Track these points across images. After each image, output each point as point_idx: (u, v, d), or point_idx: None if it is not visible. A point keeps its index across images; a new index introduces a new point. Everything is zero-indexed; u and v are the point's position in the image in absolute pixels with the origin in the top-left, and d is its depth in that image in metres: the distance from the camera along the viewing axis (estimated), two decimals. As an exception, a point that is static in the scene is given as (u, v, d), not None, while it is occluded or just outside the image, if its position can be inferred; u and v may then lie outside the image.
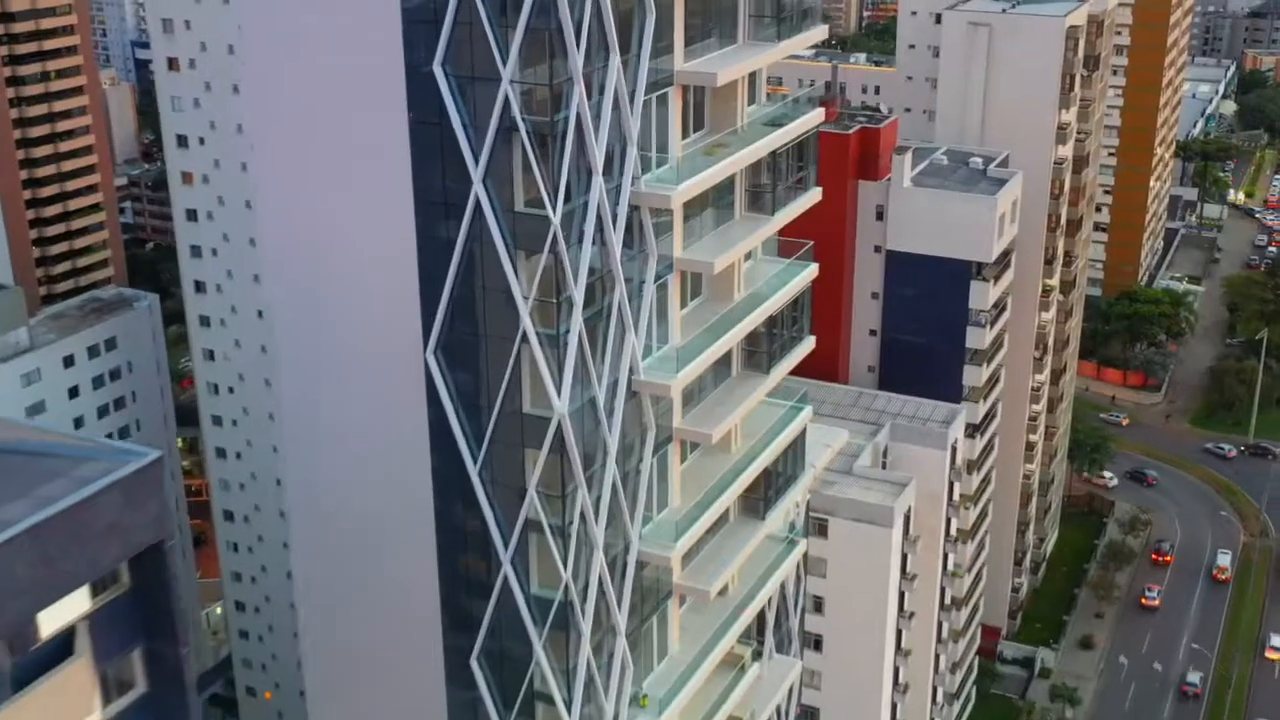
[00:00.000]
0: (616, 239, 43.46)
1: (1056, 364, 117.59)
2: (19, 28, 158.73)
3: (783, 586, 63.30)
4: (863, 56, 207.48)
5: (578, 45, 39.73)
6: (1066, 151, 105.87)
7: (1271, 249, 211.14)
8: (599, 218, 42.59)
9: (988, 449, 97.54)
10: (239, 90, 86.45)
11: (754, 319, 51.52)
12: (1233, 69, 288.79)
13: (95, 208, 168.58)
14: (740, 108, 50.59)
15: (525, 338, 42.11)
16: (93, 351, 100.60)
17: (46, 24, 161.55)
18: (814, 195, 55.34)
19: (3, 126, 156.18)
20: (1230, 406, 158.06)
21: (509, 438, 43.52)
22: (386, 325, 44.17)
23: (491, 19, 39.38)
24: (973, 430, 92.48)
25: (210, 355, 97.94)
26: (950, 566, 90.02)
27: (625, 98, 42.65)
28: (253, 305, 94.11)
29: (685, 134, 48.27)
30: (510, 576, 44.98)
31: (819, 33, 53.63)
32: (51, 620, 26.71)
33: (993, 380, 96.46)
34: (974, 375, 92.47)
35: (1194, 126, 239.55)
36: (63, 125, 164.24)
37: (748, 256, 54.31)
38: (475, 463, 44.09)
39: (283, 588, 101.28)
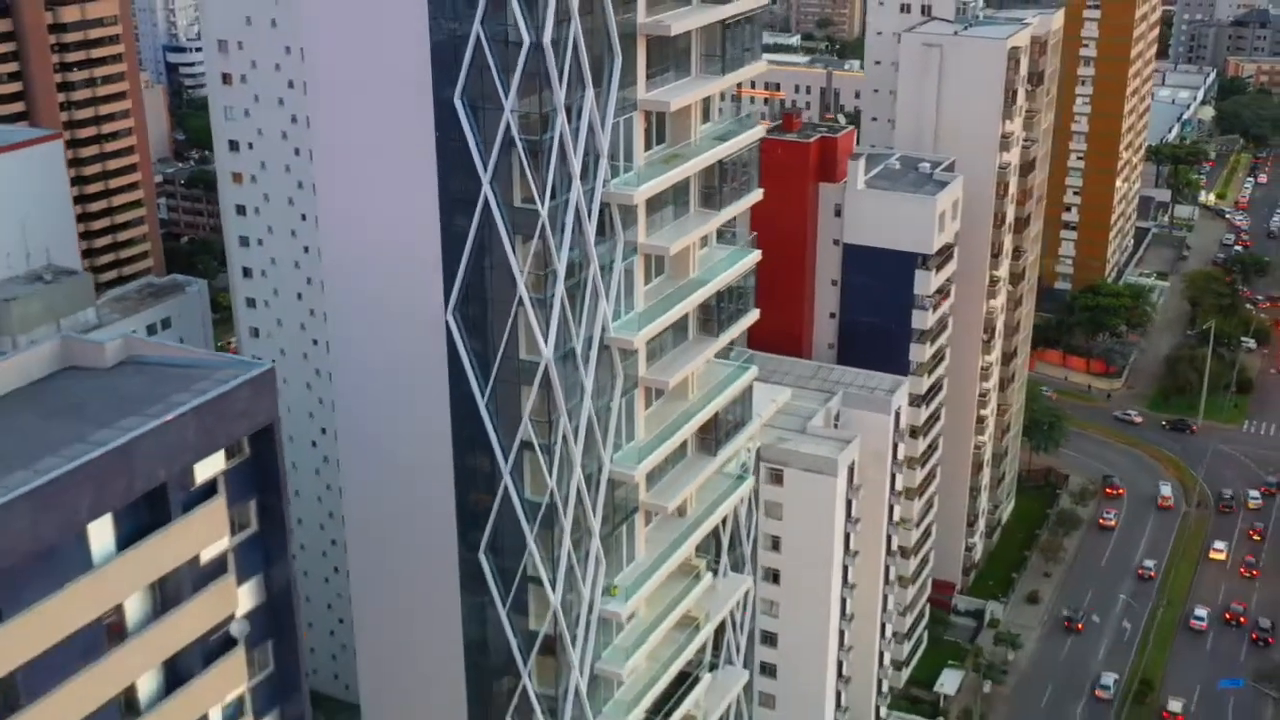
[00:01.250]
0: (591, 228, 57.33)
1: (1007, 347, 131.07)
2: (69, 38, 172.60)
3: (736, 516, 76.83)
4: (857, 63, 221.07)
5: (560, 83, 53.56)
6: (1011, 157, 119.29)
7: (1237, 248, 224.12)
8: (578, 212, 56.45)
9: (933, 418, 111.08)
10: (286, 109, 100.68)
11: (705, 292, 65.34)
12: (1213, 76, 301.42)
13: (137, 204, 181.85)
14: (694, 125, 64.38)
15: (521, 301, 56.09)
16: (151, 330, 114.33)
17: (94, 34, 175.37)
18: (755, 195, 69.15)
19: (54, 127, 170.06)
20: (1183, 391, 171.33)
21: (508, 377, 57.51)
22: (416, 292, 58.07)
23: (497, 64, 53.27)
24: (918, 400, 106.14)
25: (255, 333, 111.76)
26: (896, 517, 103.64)
27: (598, 122, 56.46)
28: (293, 288, 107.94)
29: (649, 146, 62.10)
30: (509, 484, 58.97)
31: (760, 67, 67.26)
32: (202, 471, 40.64)
33: (937, 357, 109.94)
34: (919, 352, 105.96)
35: (1169, 131, 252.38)
36: (108, 128, 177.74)
37: (704, 243, 68.12)
38: (483, 396, 58.07)
39: (316, 537, 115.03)
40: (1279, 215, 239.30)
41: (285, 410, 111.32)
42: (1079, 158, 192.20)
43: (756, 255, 69.72)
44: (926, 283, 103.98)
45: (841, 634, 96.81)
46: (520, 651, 62.08)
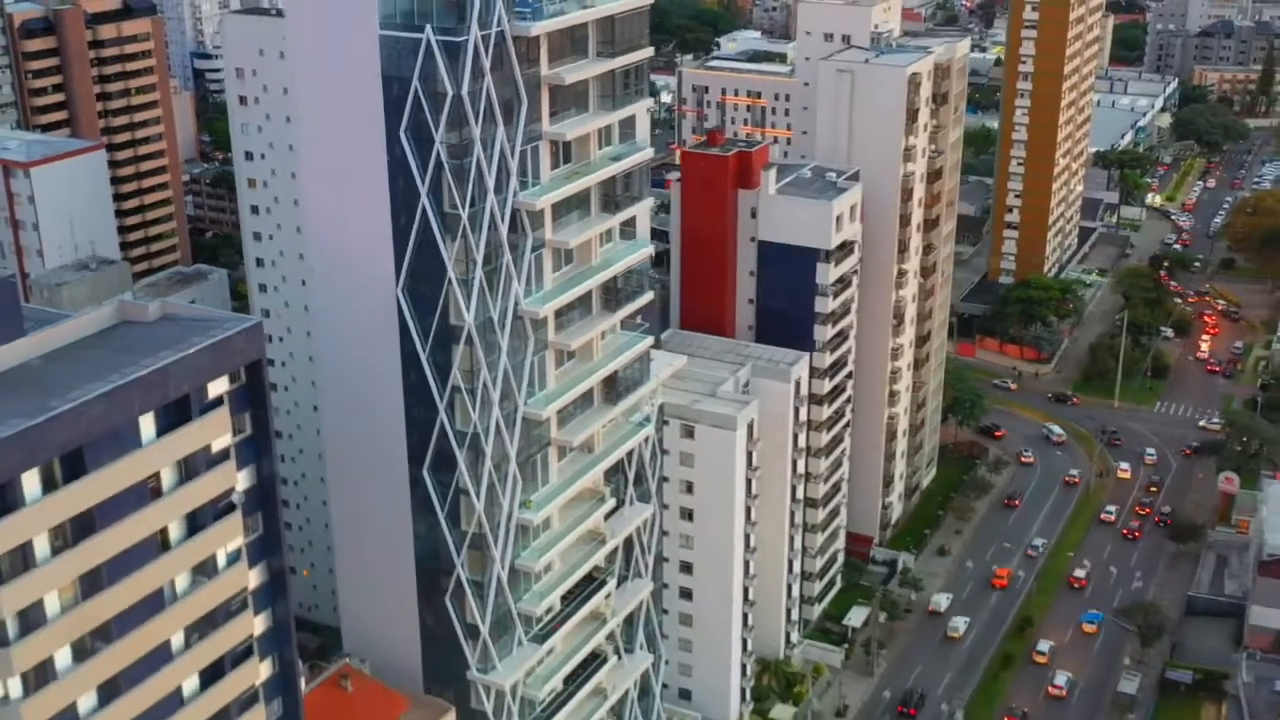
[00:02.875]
0: (504, 228, 77.29)
1: (920, 332, 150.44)
2: (107, 53, 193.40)
3: (641, 457, 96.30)
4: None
5: (476, 122, 73.57)
6: (915, 167, 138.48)
7: (1176, 247, 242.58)
8: (492, 216, 76.43)
9: (838, 389, 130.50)
10: (292, 126, 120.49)
11: (602, 277, 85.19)
12: (1174, 84, 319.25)
13: (166, 202, 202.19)
14: (593, 148, 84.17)
15: (450, 282, 76.16)
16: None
17: (130, 49, 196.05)
18: (647, 203, 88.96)
19: (93, 133, 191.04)
20: (1103, 375, 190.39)
21: (442, 337, 77.65)
22: (374, 273, 78.23)
23: (429, 108, 73.32)
24: (821, 373, 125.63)
25: (266, 314, 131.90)
26: (799, 470, 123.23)
27: (508, 149, 76.33)
28: (297, 275, 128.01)
29: (556, 165, 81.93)
30: (444, 418, 79.11)
31: (645, 103, 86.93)
32: (213, 389, 60.66)
33: (840, 337, 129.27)
34: (822, 332, 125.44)
35: (1122, 137, 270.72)
36: (141, 133, 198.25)
37: (608, 238, 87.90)
38: (424, 352, 78.25)
39: (317, 489, 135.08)
40: (1220, 217, 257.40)
41: (291, 379, 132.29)
42: (1019, 164, 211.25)
43: (649, 249, 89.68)
44: (827, 274, 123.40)
45: (746, 564, 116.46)
46: (454, 547, 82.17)
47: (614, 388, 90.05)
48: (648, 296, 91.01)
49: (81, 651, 56.32)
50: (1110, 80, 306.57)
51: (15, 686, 53.83)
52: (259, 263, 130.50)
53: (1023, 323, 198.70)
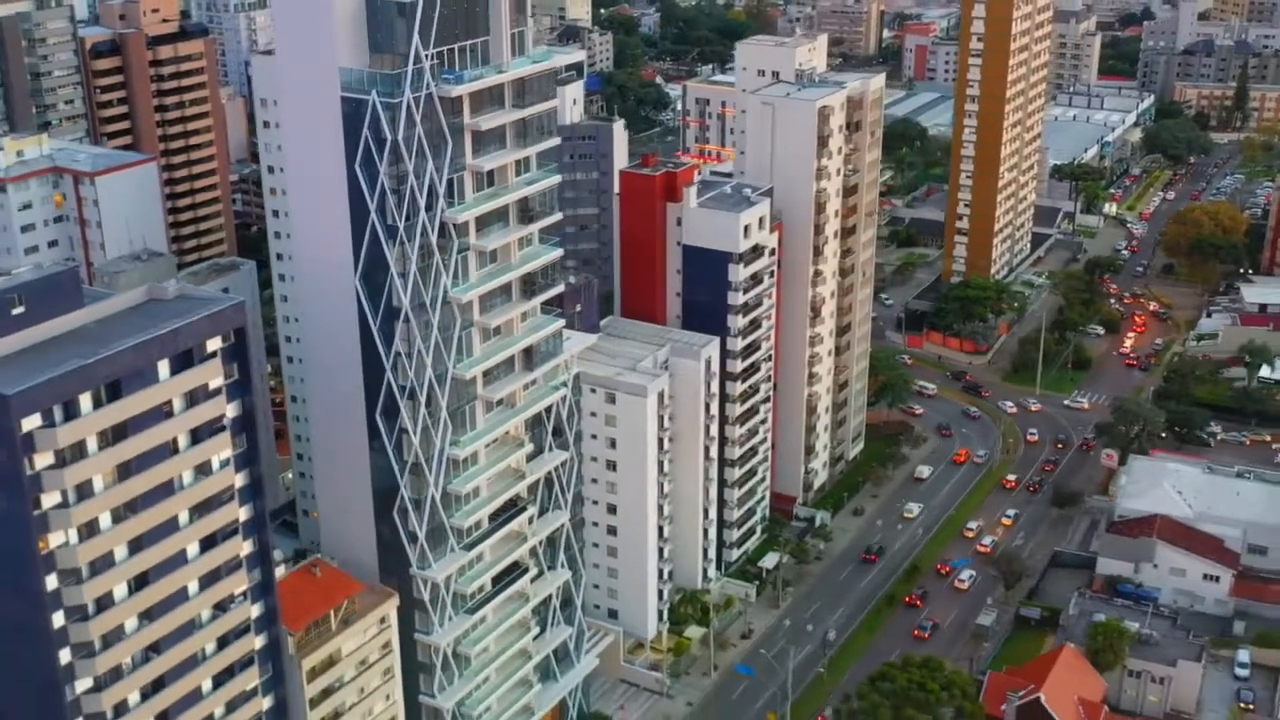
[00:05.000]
0: (434, 235, 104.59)
1: (840, 324, 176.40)
2: (165, 70, 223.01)
3: (559, 413, 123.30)
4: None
5: (410, 160, 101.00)
6: (826, 184, 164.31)
7: (1126, 253, 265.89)
8: (424, 227, 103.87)
9: (752, 368, 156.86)
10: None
11: (517, 273, 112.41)
12: (1150, 100, 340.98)
13: (215, 201, 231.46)
14: (510, 175, 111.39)
15: (392, 275, 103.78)
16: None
17: (185, 67, 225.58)
18: (555, 216, 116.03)
19: (152, 141, 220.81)
20: (1029, 366, 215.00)
21: (388, 314, 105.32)
22: (338, 268, 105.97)
23: (375, 149, 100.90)
24: (735, 355, 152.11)
25: (285, 298, 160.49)
26: (711, 434, 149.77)
27: (437, 178, 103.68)
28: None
29: (480, 188, 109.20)
30: (389, 375, 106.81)
31: (552, 141, 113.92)
32: (210, 345, 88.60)
33: (753, 325, 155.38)
34: (734, 321, 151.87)
35: (1085, 151, 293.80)
36: (193, 140, 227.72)
37: (527, 242, 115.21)
38: (375, 325, 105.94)
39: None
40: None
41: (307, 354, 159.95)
42: (968, 176, 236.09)
43: (559, 252, 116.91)
44: (737, 273, 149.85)
45: (660, 507, 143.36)
46: (399, 473, 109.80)
47: (532, 358, 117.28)
48: (559, 287, 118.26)
49: (117, 517, 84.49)
50: (1088, 96, 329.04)
51: (74, 535, 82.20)
52: (279, 257, 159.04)
53: (962, 319, 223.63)
